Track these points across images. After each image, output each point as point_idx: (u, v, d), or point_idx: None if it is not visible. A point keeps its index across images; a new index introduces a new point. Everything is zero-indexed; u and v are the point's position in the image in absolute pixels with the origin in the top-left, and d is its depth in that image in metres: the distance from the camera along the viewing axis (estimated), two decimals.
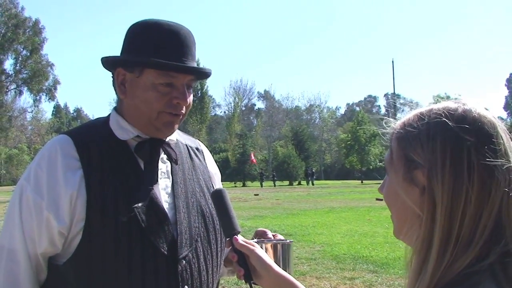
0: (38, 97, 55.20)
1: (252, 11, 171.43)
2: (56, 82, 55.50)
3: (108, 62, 1.65)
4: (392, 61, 43.70)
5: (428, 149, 1.01)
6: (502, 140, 1.01)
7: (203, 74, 1.66)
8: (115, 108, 1.71)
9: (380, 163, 76.58)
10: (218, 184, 1.90)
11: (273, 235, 1.64)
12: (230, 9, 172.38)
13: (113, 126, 1.65)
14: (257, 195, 30.39)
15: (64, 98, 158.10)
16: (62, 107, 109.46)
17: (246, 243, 1.47)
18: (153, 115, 1.58)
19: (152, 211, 1.56)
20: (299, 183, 60.13)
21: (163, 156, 1.68)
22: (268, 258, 1.43)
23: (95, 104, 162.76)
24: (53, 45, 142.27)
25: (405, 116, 1.11)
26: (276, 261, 1.51)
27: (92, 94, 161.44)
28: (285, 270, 1.49)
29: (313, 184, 53.84)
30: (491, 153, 0.97)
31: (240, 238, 1.48)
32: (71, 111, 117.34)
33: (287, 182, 60.42)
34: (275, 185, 52.74)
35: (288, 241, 1.58)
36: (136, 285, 1.51)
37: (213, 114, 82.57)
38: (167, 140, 1.69)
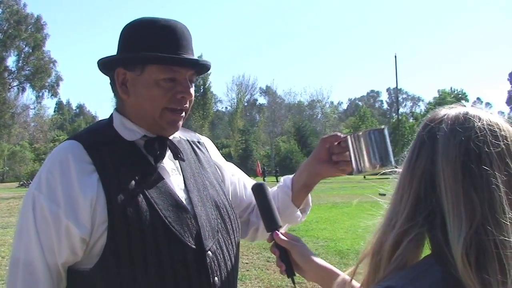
0: (40, 94, 55.31)
1: (255, 6, 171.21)
2: (58, 79, 55.58)
3: (106, 63, 1.63)
4: (395, 56, 43.59)
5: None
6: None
7: (204, 68, 1.66)
8: (116, 109, 1.68)
9: None
10: (226, 172, 1.91)
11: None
12: (232, 4, 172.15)
13: (118, 128, 1.63)
14: None
15: (66, 95, 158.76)
16: (65, 103, 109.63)
17: (287, 237, 1.46)
18: (157, 113, 1.57)
19: (172, 206, 1.56)
20: None
21: (170, 153, 1.67)
22: (310, 251, 1.44)
23: (98, 101, 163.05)
24: (55, 41, 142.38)
25: (448, 111, 1.13)
26: (372, 150, 1.54)
27: (94, 91, 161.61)
28: (385, 157, 1.54)
29: None
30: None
31: (280, 233, 1.47)
32: (74, 108, 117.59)
33: None
34: (277, 181, 52.39)
35: (381, 127, 1.59)
36: (168, 280, 1.49)
37: (215, 109, 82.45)
38: (171, 138, 1.69)
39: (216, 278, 1.57)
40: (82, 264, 1.50)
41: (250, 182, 1.93)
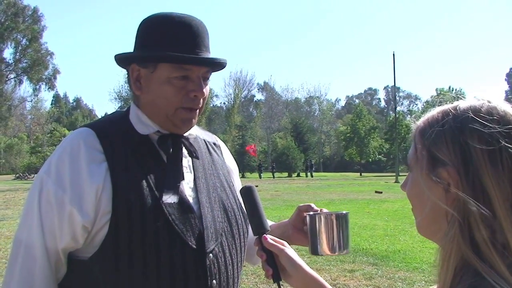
0: (37, 87, 55.28)
1: (254, 2, 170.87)
2: (55, 72, 55.50)
3: (122, 59, 1.64)
4: (393, 54, 43.27)
5: (455, 148, 0.99)
6: None
7: (218, 65, 1.63)
8: (134, 102, 1.68)
9: (379, 156, 76.93)
10: (236, 179, 1.89)
11: (320, 210, 1.62)
12: (232, 1, 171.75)
13: (133, 121, 1.63)
14: (257, 186, 30.06)
15: (63, 88, 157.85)
16: (62, 96, 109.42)
17: (276, 242, 1.44)
18: (170, 111, 1.56)
19: (178, 204, 1.54)
20: (298, 175, 60.04)
21: (184, 151, 1.66)
22: (298, 258, 1.41)
23: (95, 94, 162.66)
24: (52, 33, 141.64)
25: (430, 112, 1.09)
26: (331, 233, 1.50)
27: (92, 84, 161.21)
28: (342, 242, 1.50)
29: (312, 176, 53.62)
30: None
31: (269, 237, 1.45)
32: (71, 101, 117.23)
33: (286, 174, 60.40)
34: (274, 177, 52.68)
35: (344, 212, 1.55)
36: (164, 279, 1.47)
37: (212, 105, 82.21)
38: (186, 135, 1.68)
39: (214, 281, 1.54)
40: (81, 252, 1.50)
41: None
